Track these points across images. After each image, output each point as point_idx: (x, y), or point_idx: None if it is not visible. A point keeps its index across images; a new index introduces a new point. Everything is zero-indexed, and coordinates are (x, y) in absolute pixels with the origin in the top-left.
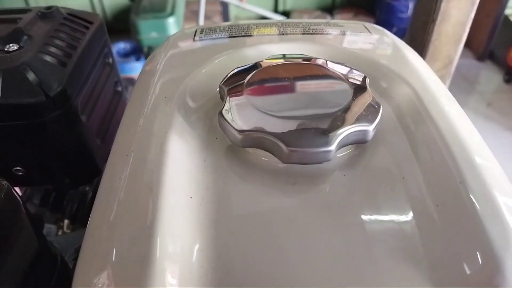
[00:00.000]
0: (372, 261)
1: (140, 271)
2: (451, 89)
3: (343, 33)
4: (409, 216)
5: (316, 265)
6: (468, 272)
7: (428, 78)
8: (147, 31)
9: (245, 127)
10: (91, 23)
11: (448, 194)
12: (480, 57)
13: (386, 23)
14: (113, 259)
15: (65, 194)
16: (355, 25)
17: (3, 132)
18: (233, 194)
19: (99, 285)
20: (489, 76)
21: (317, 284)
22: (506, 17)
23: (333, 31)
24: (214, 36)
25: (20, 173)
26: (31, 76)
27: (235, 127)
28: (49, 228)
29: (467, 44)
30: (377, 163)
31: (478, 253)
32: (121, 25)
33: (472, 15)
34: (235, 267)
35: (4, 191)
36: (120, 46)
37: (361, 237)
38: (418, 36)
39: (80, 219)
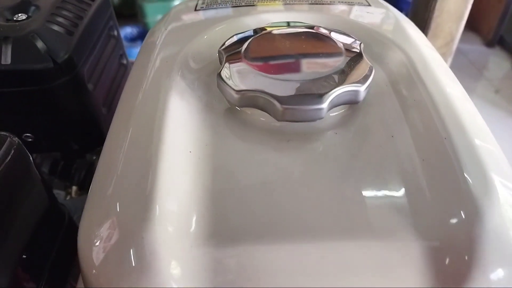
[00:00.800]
0: (360, 211)
1: (143, 214)
2: (457, 74)
3: (344, 3)
4: (396, 170)
5: (308, 213)
6: (451, 222)
7: (423, 46)
8: (153, 14)
9: (242, 87)
10: None
11: (433, 149)
12: (490, 43)
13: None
14: (117, 209)
15: (73, 162)
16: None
17: (13, 98)
18: (231, 150)
19: (103, 235)
20: (498, 62)
21: (308, 229)
22: None
23: (336, 3)
24: (216, 6)
25: (30, 140)
26: (39, 43)
27: (233, 87)
28: (57, 193)
29: (476, 30)
30: (368, 123)
31: (461, 203)
32: (128, 10)
33: None
34: (231, 213)
35: (15, 146)
36: (127, 30)
37: (350, 189)
38: (420, 13)
39: (88, 186)
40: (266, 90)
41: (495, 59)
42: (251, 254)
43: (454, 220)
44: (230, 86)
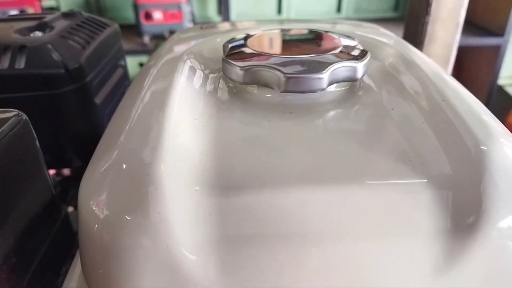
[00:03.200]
0: (368, 161)
1: (149, 156)
2: None
3: (340, 23)
4: (399, 132)
5: (315, 164)
6: (461, 162)
7: (412, 48)
8: None
9: (245, 64)
10: (107, 26)
11: (433, 111)
12: None
13: None
14: (125, 154)
15: (69, 187)
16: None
17: (23, 103)
18: (235, 121)
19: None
20: None
21: (313, 177)
22: (500, 87)
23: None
24: (217, 28)
25: None
26: (52, 51)
27: (237, 64)
28: None
29: None
30: (369, 99)
31: (467, 146)
32: None
33: (458, 37)
34: (234, 166)
35: (21, 123)
36: None
37: (354, 145)
38: None
39: None
40: (269, 64)
41: None
42: (253, 199)
43: (461, 161)
44: (234, 64)
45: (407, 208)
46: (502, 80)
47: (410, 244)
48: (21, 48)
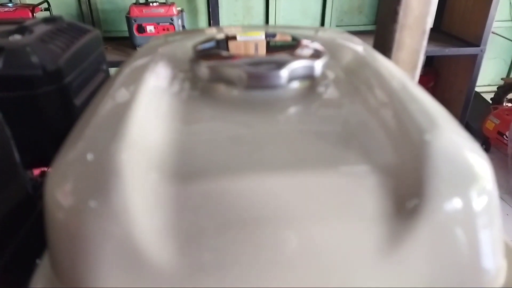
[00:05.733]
0: (318, 149)
1: (112, 144)
2: None
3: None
4: (351, 123)
5: (272, 153)
6: (404, 149)
7: (371, 49)
8: None
9: (211, 63)
10: (88, 31)
11: (383, 104)
12: None
13: None
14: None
15: None
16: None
17: (3, 103)
18: (200, 116)
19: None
20: None
21: (270, 165)
22: (477, 93)
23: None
24: (193, 33)
25: None
26: (30, 54)
27: (203, 63)
28: None
29: None
30: (326, 96)
31: (410, 135)
32: None
33: (424, 44)
34: (195, 158)
35: None
36: None
37: (309, 135)
38: None
39: None
40: (232, 63)
41: None
42: (211, 187)
43: (406, 149)
44: (200, 63)
45: (353, 194)
46: (479, 88)
47: (355, 227)
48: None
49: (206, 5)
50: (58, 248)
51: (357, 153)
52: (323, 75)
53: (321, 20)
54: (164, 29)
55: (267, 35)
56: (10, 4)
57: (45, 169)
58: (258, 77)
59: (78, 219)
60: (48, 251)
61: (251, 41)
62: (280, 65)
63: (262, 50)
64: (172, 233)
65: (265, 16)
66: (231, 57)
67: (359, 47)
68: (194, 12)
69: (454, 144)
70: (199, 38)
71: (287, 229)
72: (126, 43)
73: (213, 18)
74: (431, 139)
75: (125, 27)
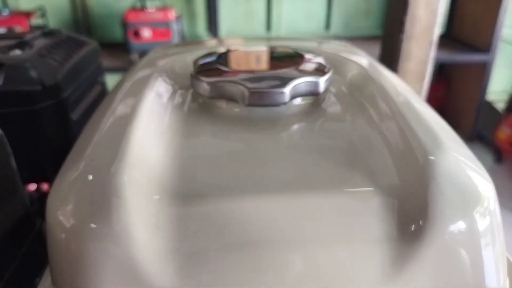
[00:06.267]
0: (322, 171)
1: (112, 166)
2: None
3: (311, 41)
4: (355, 142)
5: (271, 177)
6: (408, 171)
7: (376, 64)
8: None
9: (212, 79)
10: (86, 44)
11: (387, 124)
12: (469, 139)
13: None
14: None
15: None
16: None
17: (2, 120)
18: (201, 134)
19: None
20: (480, 156)
21: (272, 186)
22: (489, 103)
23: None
24: (193, 45)
25: None
26: (30, 69)
27: (204, 80)
28: None
29: (455, 127)
30: (330, 113)
31: (415, 156)
32: None
33: (432, 54)
34: (197, 178)
35: None
36: None
37: (313, 155)
38: None
39: None
40: (234, 80)
41: (477, 153)
42: (213, 208)
43: (410, 170)
44: (201, 80)
45: (358, 216)
46: (490, 96)
47: (359, 249)
48: (0, 66)
49: (205, 9)
50: (60, 267)
51: (360, 173)
52: (327, 91)
53: (326, 25)
54: (161, 34)
55: (269, 49)
56: (6, 11)
57: (41, 183)
58: (260, 95)
59: (80, 240)
60: (49, 269)
61: (253, 54)
62: (284, 82)
63: (265, 65)
64: (173, 254)
65: (267, 21)
66: (232, 72)
67: (364, 60)
68: (193, 17)
69: (458, 165)
70: (200, 50)
71: (289, 252)
72: (121, 48)
73: (212, 23)
74: (436, 161)
75: (120, 33)
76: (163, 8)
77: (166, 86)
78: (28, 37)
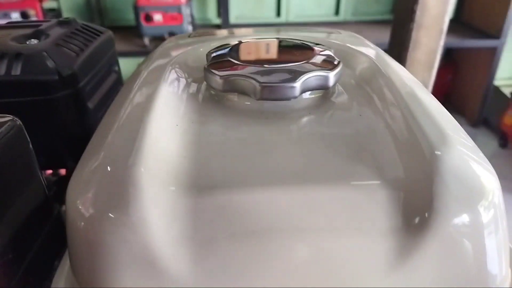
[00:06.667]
0: (330, 164)
1: (130, 159)
2: None
3: (320, 32)
4: (364, 136)
5: (282, 169)
6: (415, 165)
7: (385, 56)
8: None
9: (225, 73)
10: (101, 33)
11: (395, 118)
12: (475, 124)
13: None
14: (108, 157)
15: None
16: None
17: (19, 108)
18: (214, 126)
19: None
20: (485, 141)
21: (282, 178)
22: (497, 87)
23: (316, 31)
24: (206, 35)
25: None
26: (47, 59)
27: (217, 73)
28: None
29: (461, 112)
30: (339, 106)
31: (422, 151)
32: None
33: (441, 43)
34: (212, 167)
35: (15, 127)
36: None
37: (322, 149)
38: None
39: None
40: (246, 74)
41: (482, 138)
42: (226, 199)
43: (416, 164)
44: (214, 73)
45: (364, 207)
46: (498, 81)
47: (366, 241)
48: (17, 55)
49: None
50: (79, 254)
51: (367, 166)
52: (336, 85)
53: (336, 10)
54: (172, 18)
55: (280, 40)
56: None
57: (57, 169)
58: (271, 90)
59: (98, 228)
60: (68, 255)
61: (264, 46)
62: (294, 77)
63: (276, 57)
64: (187, 242)
65: (277, 6)
66: (244, 65)
67: (372, 52)
68: (203, 1)
69: (463, 159)
70: (212, 42)
71: (297, 240)
72: (133, 32)
73: (222, 7)
74: (441, 154)
75: (131, 16)
76: None
77: (179, 79)
78: (44, 26)
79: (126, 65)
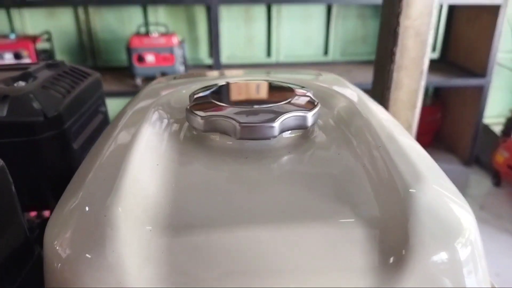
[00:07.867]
0: (307, 204)
1: (107, 199)
2: None
3: (303, 74)
4: (341, 175)
5: (259, 208)
6: (390, 203)
7: (362, 96)
8: None
9: (205, 114)
10: (89, 75)
11: (371, 156)
12: (467, 162)
13: None
14: (85, 199)
15: None
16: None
17: (4, 149)
18: (194, 166)
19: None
20: (478, 180)
21: (261, 219)
22: (486, 126)
23: (300, 73)
24: (190, 77)
25: None
26: (33, 100)
27: (198, 114)
28: None
29: (453, 151)
30: (317, 146)
31: (396, 189)
32: None
33: (423, 83)
34: (188, 209)
35: None
36: None
37: (299, 189)
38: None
39: None
40: (226, 114)
41: (475, 177)
42: (203, 239)
43: (392, 202)
44: (196, 114)
45: (342, 246)
46: (487, 119)
47: (343, 279)
48: (4, 97)
49: (208, 34)
50: None
51: (345, 205)
52: (315, 124)
53: (325, 51)
54: (164, 59)
55: (262, 82)
56: (12, 35)
57: (41, 211)
58: (251, 130)
59: (75, 269)
60: None
61: (246, 88)
62: (273, 117)
63: (257, 98)
64: (164, 284)
65: (267, 46)
66: (225, 106)
67: (353, 93)
68: (195, 42)
69: (438, 197)
70: (198, 83)
71: (276, 280)
72: (125, 73)
73: (214, 48)
74: (416, 193)
75: (124, 57)
76: (167, 34)
77: (162, 119)
78: (32, 68)
79: (118, 105)
